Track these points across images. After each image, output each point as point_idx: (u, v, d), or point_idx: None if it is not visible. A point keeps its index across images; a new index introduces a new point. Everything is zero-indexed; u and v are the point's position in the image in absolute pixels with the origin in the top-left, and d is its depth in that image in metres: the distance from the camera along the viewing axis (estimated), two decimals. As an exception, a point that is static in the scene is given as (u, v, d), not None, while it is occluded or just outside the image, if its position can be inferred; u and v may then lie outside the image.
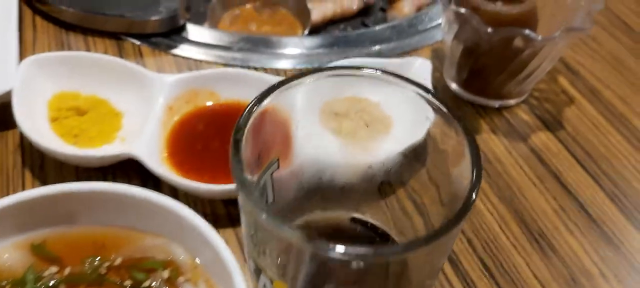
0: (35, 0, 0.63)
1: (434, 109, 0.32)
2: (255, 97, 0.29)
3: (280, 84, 0.30)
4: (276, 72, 0.60)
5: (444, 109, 0.31)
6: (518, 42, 0.50)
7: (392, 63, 0.55)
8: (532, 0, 0.52)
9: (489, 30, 0.49)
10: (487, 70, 0.54)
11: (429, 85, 0.53)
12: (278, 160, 0.32)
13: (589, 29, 0.50)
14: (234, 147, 0.27)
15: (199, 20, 0.75)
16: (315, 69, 0.32)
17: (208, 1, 0.78)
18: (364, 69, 0.33)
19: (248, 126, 0.28)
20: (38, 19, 0.63)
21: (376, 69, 0.33)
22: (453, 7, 0.51)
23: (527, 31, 0.49)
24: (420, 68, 0.54)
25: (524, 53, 0.51)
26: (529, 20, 0.52)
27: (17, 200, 0.38)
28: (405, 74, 0.54)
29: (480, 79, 0.55)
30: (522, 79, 0.54)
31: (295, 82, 0.31)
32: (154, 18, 0.61)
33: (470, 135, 0.30)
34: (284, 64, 0.61)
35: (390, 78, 0.32)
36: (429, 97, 0.32)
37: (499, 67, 0.53)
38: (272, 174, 0.32)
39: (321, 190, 0.38)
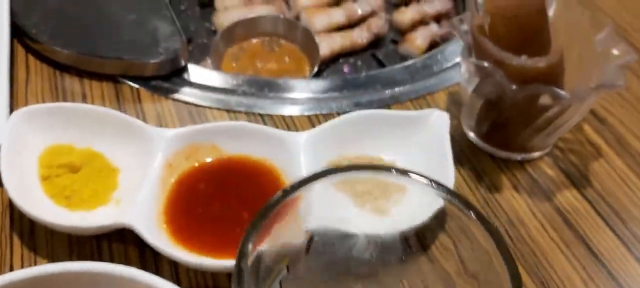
0: (28, 38, 0.60)
1: (466, 216, 0.28)
2: (257, 217, 0.26)
3: (286, 194, 0.27)
4: (283, 119, 0.56)
5: (477, 220, 0.27)
6: (545, 99, 0.46)
7: (409, 116, 0.52)
8: (558, 50, 0.49)
9: (514, 87, 0.45)
10: (510, 124, 0.50)
11: (447, 139, 0.49)
12: (287, 266, 0.28)
13: (621, 86, 0.46)
14: (237, 281, 0.23)
15: (201, 52, 0.72)
16: (326, 171, 0.29)
17: (211, 33, 0.74)
18: (383, 170, 0.30)
19: (252, 245, 0.24)
20: (31, 58, 0.60)
21: (395, 170, 0.29)
22: (474, 60, 0.47)
23: (555, 89, 0.45)
24: (438, 121, 0.51)
25: (550, 109, 0.47)
26: (555, 72, 0.48)
27: (2, 284, 0.35)
28: (422, 127, 0.51)
29: (503, 132, 0.51)
30: (547, 134, 0.50)
31: (302, 188, 0.27)
32: (153, 61, 0.57)
33: (509, 259, 0.26)
34: (291, 110, 0.57)
35: (416, 179, 0.29)
36: (465, 209, 0.28)
37: (523, 122, 0.49)
38: (280, 281, 0.28)
39: (337, 281, 0.34)
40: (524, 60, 0.46)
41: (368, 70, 0.73)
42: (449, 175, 0.47)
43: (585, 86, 0.50)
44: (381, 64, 0.75)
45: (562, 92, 0.45)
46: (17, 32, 0.60)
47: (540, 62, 0.47)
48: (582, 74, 0.51)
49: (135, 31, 0.60)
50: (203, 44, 0.74)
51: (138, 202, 0.44)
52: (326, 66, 0.72)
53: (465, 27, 0.51)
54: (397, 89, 0.60)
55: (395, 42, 0.77)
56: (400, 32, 0.78)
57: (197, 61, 0.71)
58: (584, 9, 0.52)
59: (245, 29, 0.70)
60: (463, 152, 0.54)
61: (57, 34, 0.59)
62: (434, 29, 0.77)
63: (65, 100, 0.56)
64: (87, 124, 0.50)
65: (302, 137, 0.50)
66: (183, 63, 0.59)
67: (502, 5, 0.46)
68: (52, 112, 0.49)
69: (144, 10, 0.62)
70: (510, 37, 0.47)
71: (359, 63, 0.74)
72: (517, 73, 0.46)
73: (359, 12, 0.76)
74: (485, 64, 0.46)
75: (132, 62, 0.57)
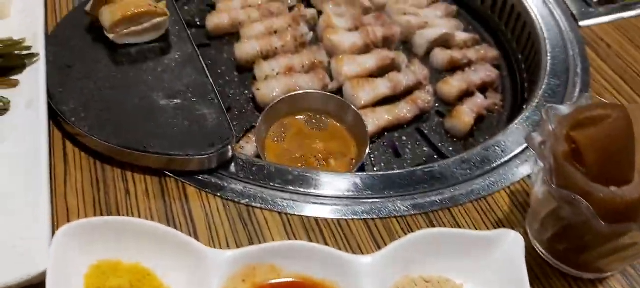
0: (66, 123, 0.56)
1: None
2: None
3: None
4: (339, 226, 0.53)
5: None
6: (634, 235, 0.43)
7: (481, 237, 0.48)
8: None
9: (604, 224, 0.42)
10: (590, 250, 0.47)
11: (524, 269, 0.46)
12: None
13: None
14: None
15: (240, 123, 0.68)
16: None
17: (250, 101, 0.71)
18: None
19: None
20: (69, 145, 0.56)
21: None
22: (558, 189, 0.44)
23: (650, 228, 0.42)
24: (513, 244, 0.47)
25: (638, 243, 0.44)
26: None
27: None
28: (494, 249, 0.47)
29: (580, 255, 0.48)
30: (629, 262, 0.47)
31: None
32: (200, 157, 0.54)
33: None
34: (345, 212, 0.53)
35: None
36: None
37: (607, 252, 0.46)
38: None
39: None
40: (614, 192, 0.43)
41: (414, 145, 0.70)
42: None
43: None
44: (426, 139, 0.71)
45: (657, 233, 0.42)
46: (53, 114, 0.57)
47: (633, 194, 0.43)
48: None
49: (180, 121, 0.56)
50: (242, 113, 0.70)
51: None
52: (371, 141, 0.69)
53: (539, 138, 0.48)
54: (455, 189, 0.56)
55: (440, 113, 0.74)
56: (445, 103, 0.75)
57: (237, 133, 0.67)
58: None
59: (290, 105, 0.67)
60: (531, 267, 0.51)
61: (98, 122, 0.55)
62: (479, 100, 0.74)
63: (107, 195, 0.53)
64: (135, 239, 0.46)
65: (366, 260, 0.46)
66: (230, 155, 0.56)
67: (593, 136, 0.43)
68: (97, 227, 0.46)
69: (190, 94, 0.58)
70: (597, 165, 0.44)
71: (404, 138, 0.71)
72: (605, 202, 0.43)
73: (404, 83, 0.73)
74: (574, 197, 0.43)
75: (177, 157, 0.54)
